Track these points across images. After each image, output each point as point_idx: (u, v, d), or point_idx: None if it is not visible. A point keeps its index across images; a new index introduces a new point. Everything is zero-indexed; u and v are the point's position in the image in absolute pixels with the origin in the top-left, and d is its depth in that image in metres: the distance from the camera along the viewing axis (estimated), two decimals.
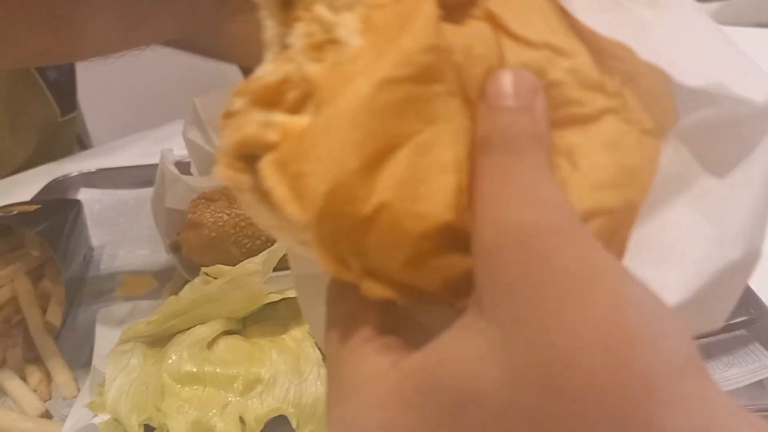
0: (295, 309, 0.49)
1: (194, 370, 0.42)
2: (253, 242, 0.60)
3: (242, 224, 0.61)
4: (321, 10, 0.21)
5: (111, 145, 1.02)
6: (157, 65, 1.54)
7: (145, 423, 0.40)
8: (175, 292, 0.64)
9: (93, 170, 0.85)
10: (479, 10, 0.22)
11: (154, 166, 0.86)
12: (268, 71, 0.20)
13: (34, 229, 0.58)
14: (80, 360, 0.55)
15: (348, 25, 0.20)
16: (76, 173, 0.84)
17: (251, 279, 0.45)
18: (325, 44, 0.20)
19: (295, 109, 0.19)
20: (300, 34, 0.21)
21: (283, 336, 0.46)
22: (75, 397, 0.51)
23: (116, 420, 0.42)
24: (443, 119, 0.20)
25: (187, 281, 0.64)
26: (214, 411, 0.40)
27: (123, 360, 0.44)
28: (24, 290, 0.56)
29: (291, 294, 0.46)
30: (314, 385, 0.43)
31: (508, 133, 0.20)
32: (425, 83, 0.20)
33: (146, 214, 0.79)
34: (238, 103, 0.20)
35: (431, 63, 0.20)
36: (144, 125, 1.09)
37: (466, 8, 0.22)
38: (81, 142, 1.48)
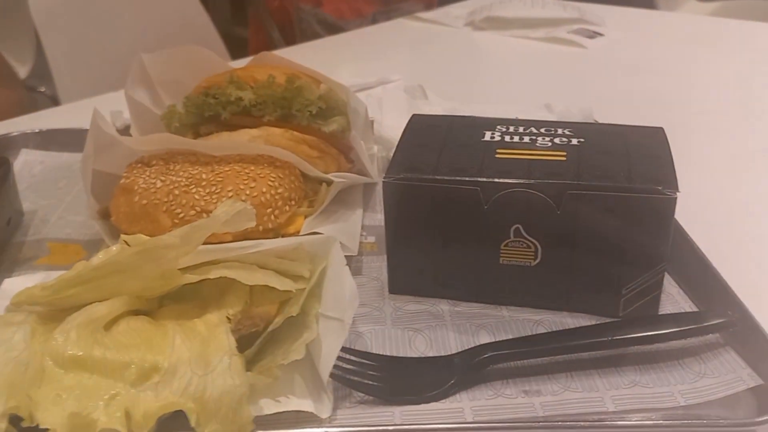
0: (221, 290, 0.43)
1: (80, 354, 0.36)
2: (186, 212, 0.54)
3: (176, 192, 0.55)
4: None
5: (74, 105, 0.95)
6: (131, 25, 1.47)
7: (13, 413, 0.35)
8: None
9: (36, 130, 0.79)
10: None
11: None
12: None
13: None
14: None
15: None
16: (16, 133, 0.78)
17: (166, 253, 0.39)
18: None
19: None
20: None
21: (195, 320, 0.40)
22: None
23: None
24: None
25: None
26: (98, 403, 0.34)
27: (6, 333, 0.38)
28: None
29: (214, 275, 0.41)
30: (222, 377, 0.37)
31: None
32: None
33: None
34: None
35: None
36: (111, 87, 1.03)
37: None
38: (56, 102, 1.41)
